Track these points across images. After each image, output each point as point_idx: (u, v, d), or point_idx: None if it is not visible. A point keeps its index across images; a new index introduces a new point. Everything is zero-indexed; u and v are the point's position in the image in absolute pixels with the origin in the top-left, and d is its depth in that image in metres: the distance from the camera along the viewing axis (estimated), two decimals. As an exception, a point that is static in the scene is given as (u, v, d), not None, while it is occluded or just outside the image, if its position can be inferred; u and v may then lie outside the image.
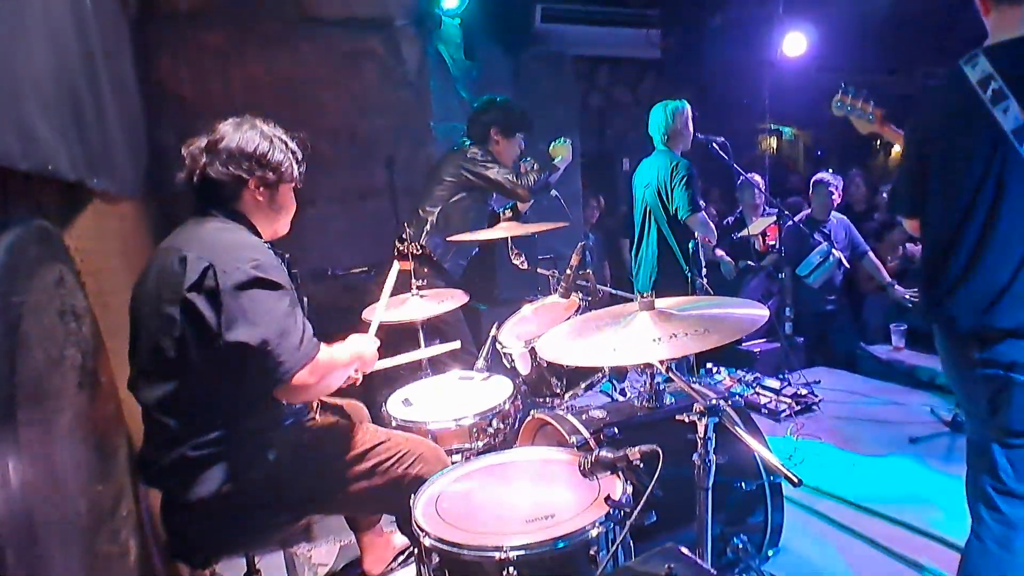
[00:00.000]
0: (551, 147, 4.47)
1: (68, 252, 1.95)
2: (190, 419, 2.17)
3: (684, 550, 1.43)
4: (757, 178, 6.76)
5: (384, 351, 2.67)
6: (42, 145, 1.73)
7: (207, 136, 2.31)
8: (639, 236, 5.14)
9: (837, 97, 3.08)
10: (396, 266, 2.97)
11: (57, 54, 2.08)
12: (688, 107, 4.93)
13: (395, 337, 3.50)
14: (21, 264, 1.53)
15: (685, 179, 4.72)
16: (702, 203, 4.88)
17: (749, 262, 6.67)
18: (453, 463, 2.55)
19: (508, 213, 3.71)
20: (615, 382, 3.45)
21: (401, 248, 3.73)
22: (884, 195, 7.68)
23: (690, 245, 4.91)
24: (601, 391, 3.45)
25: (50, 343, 1.67)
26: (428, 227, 4.21)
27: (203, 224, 2.27)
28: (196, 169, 2.29)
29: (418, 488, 2.28)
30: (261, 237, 2.39)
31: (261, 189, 2.33)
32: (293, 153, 2.41)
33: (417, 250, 4.06)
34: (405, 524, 2.34)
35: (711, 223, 4.87)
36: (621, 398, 3.43)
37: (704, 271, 5.11)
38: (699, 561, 1.38)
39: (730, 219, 7.04)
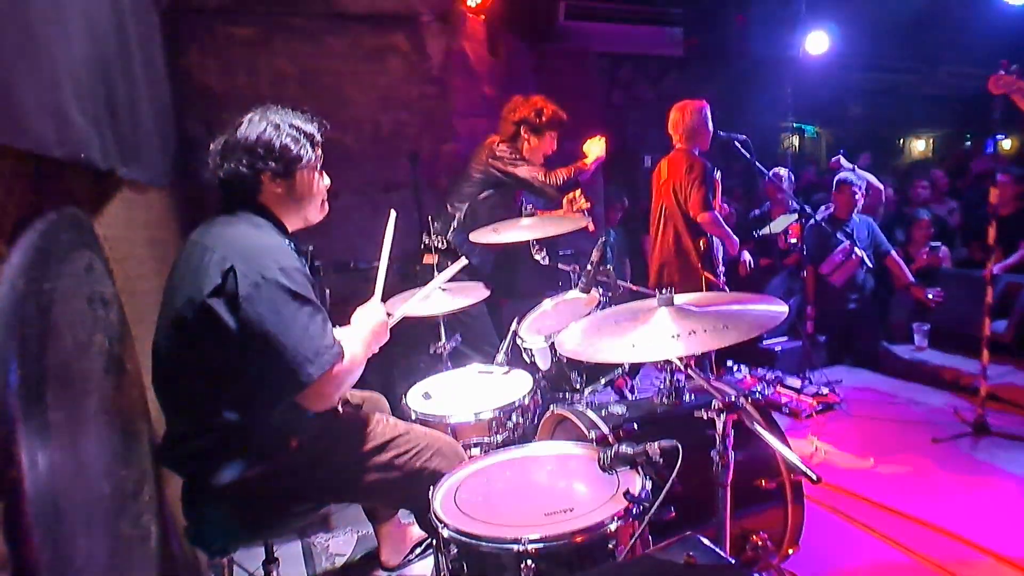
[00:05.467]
0: (585, 145, 4.45)
1: (98, 240, 1.97)
2: (210, 410, 2.18)
3: (704, 540, 1.43)
4: (782, 171, 6.74)
5: (403, 343, 2.65)
6: (76, 133, 1.75)
7: (226, 135, 2.29)
8: (655, 232, 5.15)
9: (998, 77, 3.14)
10: (393, 216, 2.70)
11: (94, 43, 2.11)
12: (707, 106, 4.92)
13: (415, 330, 3.52)
14: (53, 250, 1.55)
15: (700, 178, 4.73)
16: (724, 204, 4.87)
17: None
18: (472, 457, 2.56)
19: (531, 208, 3.71)
20: (627, 378, 3.44)
21: (427, 242, 3.74)
22: (919, 190, 7.63)
23: (701, 243, 4.91)
24: (613, 387, 3.46)
25: (79, 328, 1.70)
26: (455, 223, 4.21)
27: (233, 222, 2.25)
28: (214, 171, 2.29)
29: (435, 482, 2.29)
30: (288, 231, 2.38)
31: (278, 180, 2.28)
32: (308, 135, 2.33)
33: (442, 244, 4.08)
34: (423, 518, 2.35)
35: (723, 224, 4.86)
36: (631, 396, 3.42)
37: (722, 269, 5.11)
38: (718, 550, 1.38)
39: (756, 212, 7.01)
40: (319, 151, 2.39)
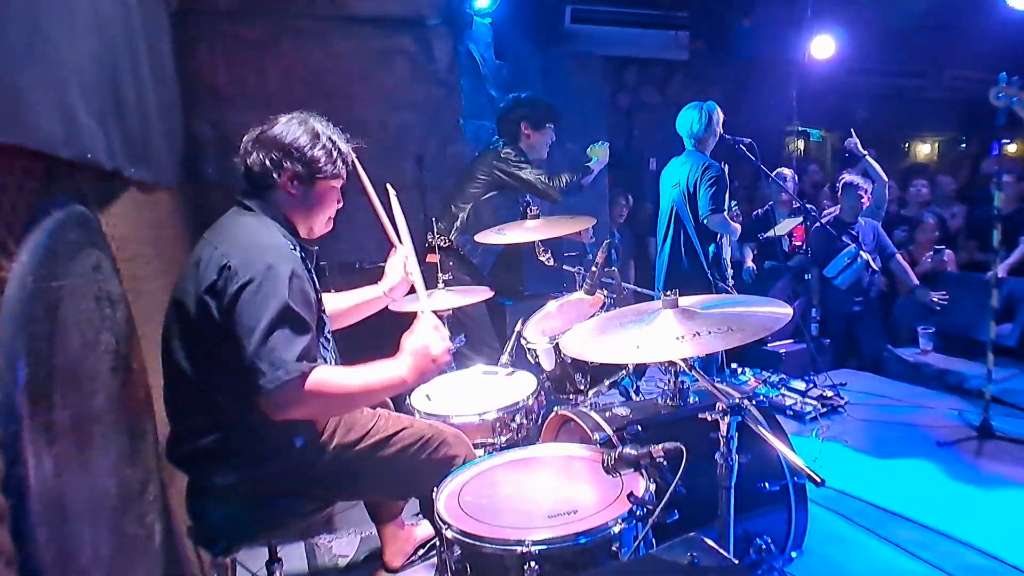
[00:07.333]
0: (589, 149, 4.46)
1: (105, 239, 1.98)
2: (214, 408, 2.20)
3: (708, 540, 1.43)
4: (787, 172, 6.72)
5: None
6: (83, 133, 1.76)
7: (262, 126, 2.32)
8: (664, 235, 5.15)
9: (999, 88, 3.22)
10: (392, 193, 2.69)
11: (103, 43, 2.12)
12: (718, 109, 4.93)
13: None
14: (62, 249, 1.56)
15: (713, 179, 4.74)
16: (732, 204, 4.87)
17: (775, 263, 6.64)
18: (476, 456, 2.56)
19: (535, 210, 3.72)
20: (633, 379, 3.44)
21: (430, 241, 3.75)
22: (920, 189, 7.59)
23: (711, 248, 4.91)
24: (619, 388, 3.45)
25: (86, 327, 1.71)
26: (459, 223, 4.23)
27: (240, 218, 2.28)
28: (242, 157, 2.31)
29: (442, 471, 2.30)
30: (298, 233, 2.38)
31: (295, 183, 2.30)
32: (341, 153, 2.36)
33: (444, 243, 4.09)
34: (430, 509, 2.35)
35: (733, 223, 4.86)
36: (636, 397, 3.42)
37: (731, 273, 5.10)
38: (721, 551, 1.39)
39: (758, 211, 7.01)
40: (345, 172, 2.41)
